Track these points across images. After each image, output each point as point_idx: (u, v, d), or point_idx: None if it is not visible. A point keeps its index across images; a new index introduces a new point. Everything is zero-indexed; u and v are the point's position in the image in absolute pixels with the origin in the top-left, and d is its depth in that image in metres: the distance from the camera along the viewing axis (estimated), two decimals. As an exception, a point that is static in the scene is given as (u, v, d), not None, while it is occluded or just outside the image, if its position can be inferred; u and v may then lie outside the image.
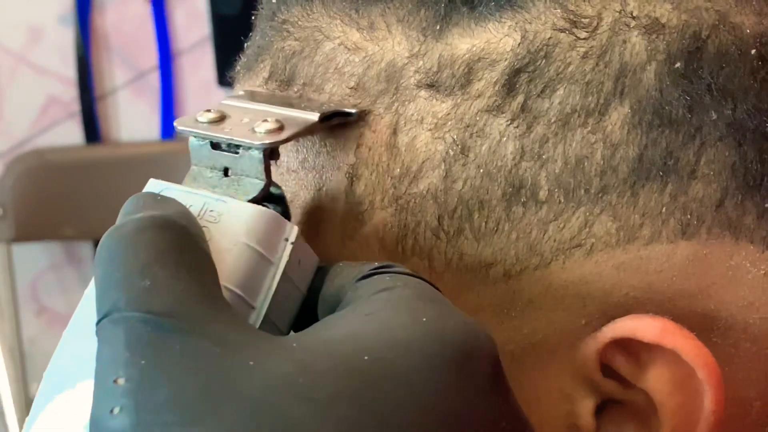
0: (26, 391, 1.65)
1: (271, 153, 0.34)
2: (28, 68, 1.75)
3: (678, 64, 0.33)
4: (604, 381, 0.35)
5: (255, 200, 0.34)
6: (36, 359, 1.71)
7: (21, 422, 1.60)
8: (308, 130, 0.35)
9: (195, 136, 0.35)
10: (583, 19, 0.34)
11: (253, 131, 0.34)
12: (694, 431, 0.34)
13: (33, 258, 1.81)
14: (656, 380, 0.34)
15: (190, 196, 0.33)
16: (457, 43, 0.35)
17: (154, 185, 0.35)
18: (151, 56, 1.72)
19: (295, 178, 0.37)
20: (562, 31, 0.34)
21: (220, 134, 0.34)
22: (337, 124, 0.36)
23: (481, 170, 0.34)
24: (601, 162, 0.34)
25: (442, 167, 0.35)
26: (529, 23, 0.34)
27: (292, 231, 0.33)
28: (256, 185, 0.34)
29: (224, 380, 0.25)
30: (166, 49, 1.73)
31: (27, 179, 1.64)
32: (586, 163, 0.34)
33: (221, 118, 0.35)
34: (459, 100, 0.35)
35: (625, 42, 0.34)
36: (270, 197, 0.35)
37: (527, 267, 0.35)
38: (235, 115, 0.35)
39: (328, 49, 0.37)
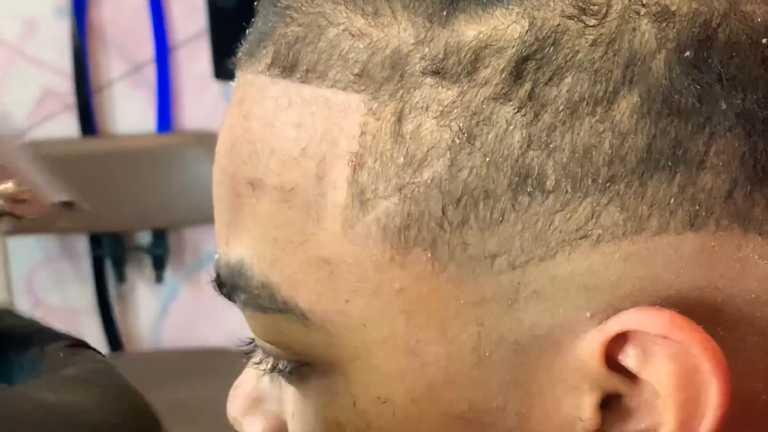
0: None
1: None
2: (23, 60, 1.74)
3: (688, 53, 0.33)
4: (610, 374, 0.35)
5: None
6: (30, 352, 1.71)
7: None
8: None
9: None
10: (592, 6, 0.33)
11: None
12: (701, 425, 0.34)
13: (28, 251, 1.80)
14: (662, 373, 0.34)
15: None
16: (463, 30, 0.34)
17: None
18: (147, 49, 1.72)
19: (296, 165, 0.37)
20: (570, 18, 0.33)
21: None
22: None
23: (487, 159, 0.34)
24: (610, 151, 0.33)
25: (448, 156, 0.34)
26: (537, 10, 0.34)
27: None
28: None
29: None
30: (163, 41, 1.72)
31: (22, 171, 1.64)
32: (594, 153, 0.33)
33: None
34: (465, 88, 0.34)
35: (634, 30, 0.33)
36: None
37: (532, 258, 0.34)
38: None
39: (332, 35, 0.36)
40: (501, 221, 0.34)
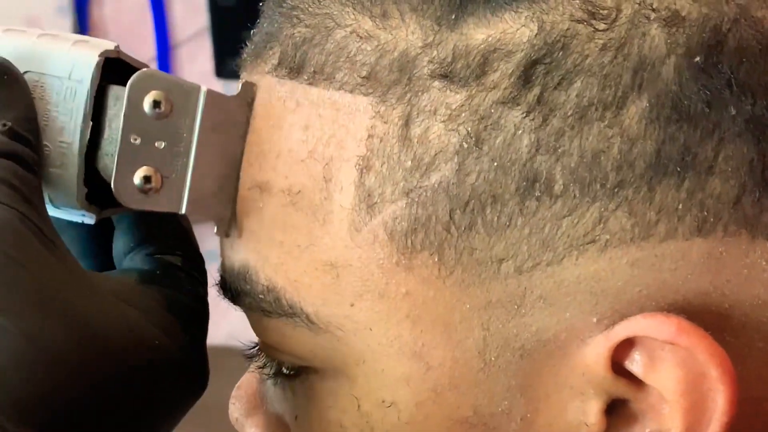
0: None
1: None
2: (24, 58, 1.74)
3: (698, 58, 0.33)
4: (616, 379, 0.34)
5: None
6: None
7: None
8: None
9: None
10: (601, 11, 0.33)
11: None
12: (707, 431, 0.34)
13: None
14: (669, 379, 0.34)
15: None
16: (472, 33, 0.34)
17: None
18: (149, 47, 1.71)
19: (303, 168, 0.37)
20: (580, 22, 0.33)
21: None
22: None
23: (495, 163, 0.34)
24: (618, 156, 0.33)
25: (455, 160, 0.34)
26: (547, 14, 0.34)
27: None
28: None
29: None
30: (164, 40, 1.72)
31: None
32: (602, 158, 0.33)
33: None
34: (473, 92, 0.34)
35: (644, 35, 0.33)
36: None
37: (539, 263, 0.34)
38: None
39: (340, 37, 0.36)
40: (508, 226, 0.34)
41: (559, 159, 0.33)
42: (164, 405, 0.38)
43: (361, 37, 0.36)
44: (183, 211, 0.39)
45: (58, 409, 0.34)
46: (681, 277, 0.34)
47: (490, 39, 0.34)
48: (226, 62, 1.65)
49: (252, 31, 0.40)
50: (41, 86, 0.39)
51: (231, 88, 0.39)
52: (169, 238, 0.42)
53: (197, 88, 0.38)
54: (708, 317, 0.34)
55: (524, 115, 0.34)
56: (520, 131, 0.34)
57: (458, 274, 0.35)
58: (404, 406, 0.37)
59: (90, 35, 1.79)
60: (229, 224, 0.39)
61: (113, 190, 0.39)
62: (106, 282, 0.38)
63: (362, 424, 0.38)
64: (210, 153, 0.39)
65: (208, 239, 0.43)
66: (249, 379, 0.46)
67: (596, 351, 0.34)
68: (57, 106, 0.39)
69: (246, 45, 0.40)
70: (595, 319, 0.34)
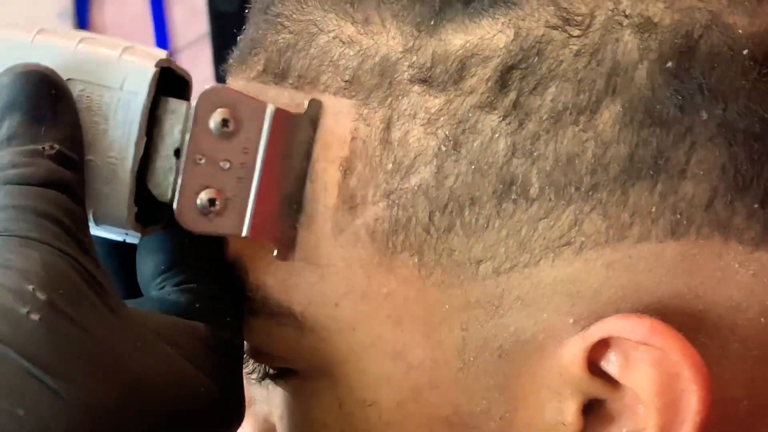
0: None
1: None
2: (26, 63, 1.74)
3: (670, 64, 0.33)
4: (592, 380, 0.35)
5: None
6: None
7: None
8: None
9: None
10: (576, 17, 0.34)
11: None
12: (681, 430, 0.34)
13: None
14: (643, 379, 0.34)
15: None
16: (450, 39, 0.35)
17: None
18: (149, 53, 1.72)
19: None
20: (555, 28, 0.34)
21: None
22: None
23: (473, 166, 0.34)
24: (592, 160, 0.34)
25: (434, 163, 0.35)
26: (522, 20, 0.34)
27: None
28: None
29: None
30: (165, 45, 1.72)
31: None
32: (577, 161, 0.34)
33: None
34: (452, 96, 0.35)
35: (617, 40, 0.34)
36: None
37: (517, 264, 0.35)
38: None
39: (323, 42, 0.37)
40: (486, 228, 0.35)
41: (534, 162, 0.34)
42: None
43: (343, 42, 0.36)
44: (244, 233, 0.37)
45: None
46: (655, 278, 0.34)
47: (467, 45, 0.35)
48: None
49: (238, 37, 0.41)
50: (87, 96, 0.36)
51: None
52: (203, 262, 0.39)
53: (264, 106, 0.36)
54: (682, 318, 0.34)
55: (501, 119, 0.34)
56: (496, 135, 0.34)
57: (438, 275, 0.36)
58: (385, 406, 0.37)
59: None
60: (290, 247, 0.37)
61: (176, 213, 0.36)
62: (148, 320, 0.35)
63: (344, 424, 0.38)
64: (274, 173, 0.37)
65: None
66: None
67: (573, 351, 0.35)
68: (106, 119, 0.36)
69: (233, 51, 0.41)
70: (571, 320, 0.35)
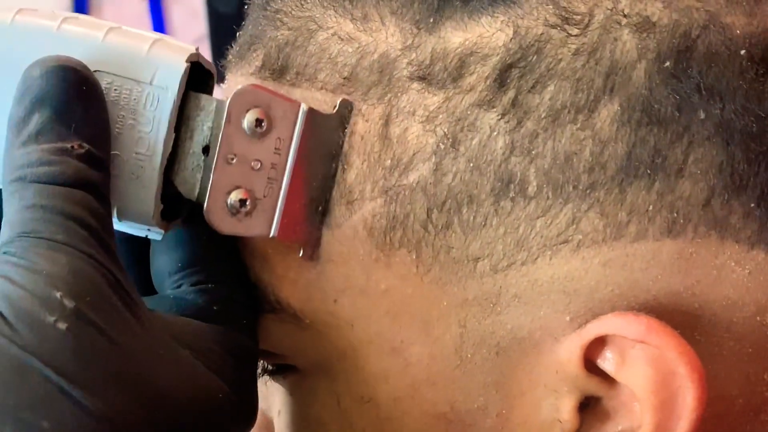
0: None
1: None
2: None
3: (668, 63, 0.34)
4: (588, 377, 0.35)
5: None
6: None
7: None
8: None
9: None
10: (575, 16, 0.34)
11: None
12: (677, 428, 0.34)
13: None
14: (639, 377, 0.34)
15: None
16: (450, 37, 0.35)
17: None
18: (147, 53, 1.72)
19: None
20: (553, 27, 0.34)
21: None
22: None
23: (471, 164, 0.35)
24: (590, 159, 0.34)
25: (433, 160, 0.35)
26: (522, 18, 0.34)
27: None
28: None
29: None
30: (163, 46, 1.72)
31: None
32: (575, 160, 0.34)
33: None
34: (451, 94, 0.35)
35: (616, 40, 0.34)
36: None
37: (514, 262, 0.35)
38: None
39: (322, 39, 0.37)
40: (484, 225, 0.35)
41: (532, 161, 0.34)
42: None
43: (342, 39, 0.36)
44: (272, 234, 0.37)
45: None
46: (652, 277, 0.35)
47: (467, 42, 0.35)
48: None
49: (237, 34, 0.41)
50: (115, 90, 0.36)
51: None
52: (222, 263, 0.38)
53: (297, 105, 0.36)
54: (678, 317, 0.35)
55: (499, 117, 0.34)
56: (495, 133, 0.34)
57: (435, 271, 0.36)
58: (382, 402, 0.37)
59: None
60: (316, 247, 0.37)
61: (205, 212, 0.36)
62: (169, 326, 0.35)
63: (342, 420, 0.39)
64: (304, 174, 0.36)
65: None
66: None
67: (569, 349, 0.35)
68: (134, 114, 0.36)
69: (232, 47, 0.41)
70: (568, 318, 0.35)
